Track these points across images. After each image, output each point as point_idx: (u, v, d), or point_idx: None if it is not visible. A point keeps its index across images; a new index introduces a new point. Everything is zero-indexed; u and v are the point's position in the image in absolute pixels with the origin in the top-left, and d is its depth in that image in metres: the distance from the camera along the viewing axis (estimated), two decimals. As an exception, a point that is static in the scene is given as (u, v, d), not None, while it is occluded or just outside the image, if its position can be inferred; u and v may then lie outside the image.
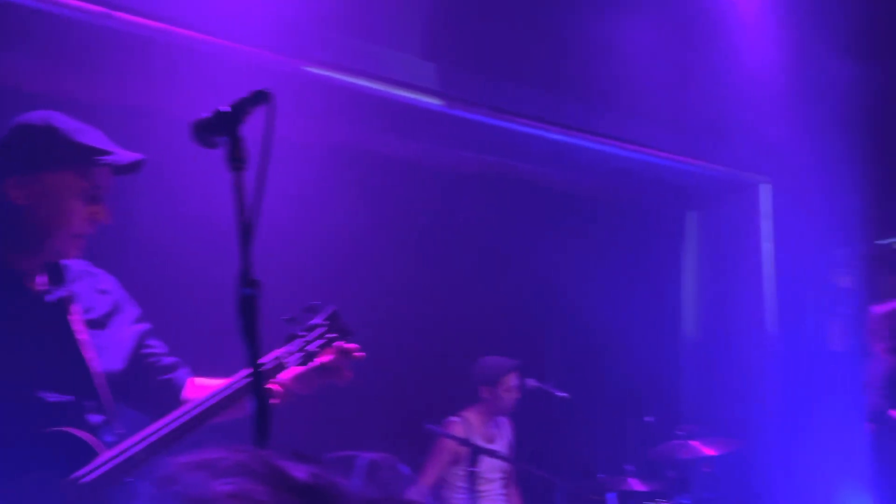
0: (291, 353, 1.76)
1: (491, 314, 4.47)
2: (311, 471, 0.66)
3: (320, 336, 1.78)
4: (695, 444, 4.01)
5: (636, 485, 3.95)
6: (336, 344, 1.77)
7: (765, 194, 5.34)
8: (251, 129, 1.39)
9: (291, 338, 1.78)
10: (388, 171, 4.26)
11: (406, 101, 3.87)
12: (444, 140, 4.31)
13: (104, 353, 1.75)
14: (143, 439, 1.61)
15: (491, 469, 3.69)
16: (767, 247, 5.27)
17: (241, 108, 1.38)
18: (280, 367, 1.74)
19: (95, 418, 1.70)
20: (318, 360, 1.76)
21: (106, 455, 1.59)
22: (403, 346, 4.18)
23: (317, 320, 1.81)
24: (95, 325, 1.78)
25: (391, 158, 4.35)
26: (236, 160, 1.36)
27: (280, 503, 0.63)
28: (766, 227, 5.31)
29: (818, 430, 5.09)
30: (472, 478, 3.19)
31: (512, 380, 3.83)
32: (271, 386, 1.68)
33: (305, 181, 3.40)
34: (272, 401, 1.50)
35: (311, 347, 1.76)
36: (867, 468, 4.31)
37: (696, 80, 4.65)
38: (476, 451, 3.25)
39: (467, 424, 3.74)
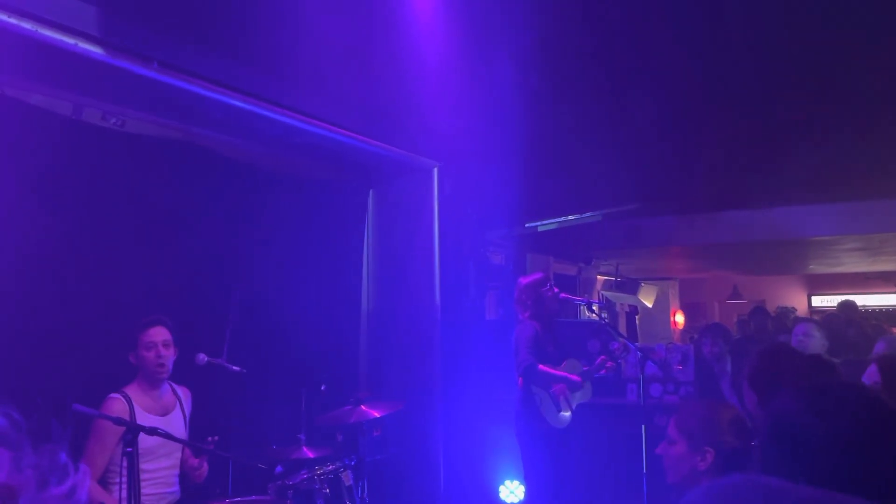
0: None
1: (161, 287, 4.17)
2: None
3: None
4: (363, 408, 4.21)
5: (308, 452, 4.03)
6: None
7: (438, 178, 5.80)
8: None
9: None
10: (40, 123, 3.74)
11: (61, 46, 3.40)
12: (109, 95, 3.90)
13: None
14: None
15: (157, 447, 3.42)
16: (436, 226, 5.74)
17: None
18: None
19: None
20: None
21: None
22: (61, 318, 3.73)
23: None
24: None
25: (44, 110, 3.82)
26: None
27: None
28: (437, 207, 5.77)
29: (477, 389, 5.74)
30: (132, 458, 2.92)
31: (152, 335, 3.51)
32: None
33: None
34: None
35: None
36: (517, 414, 4.97)
37: (379, 65, 4.84)
38: (134, 430, 2.98)
39: (127, 401, 3.43)
